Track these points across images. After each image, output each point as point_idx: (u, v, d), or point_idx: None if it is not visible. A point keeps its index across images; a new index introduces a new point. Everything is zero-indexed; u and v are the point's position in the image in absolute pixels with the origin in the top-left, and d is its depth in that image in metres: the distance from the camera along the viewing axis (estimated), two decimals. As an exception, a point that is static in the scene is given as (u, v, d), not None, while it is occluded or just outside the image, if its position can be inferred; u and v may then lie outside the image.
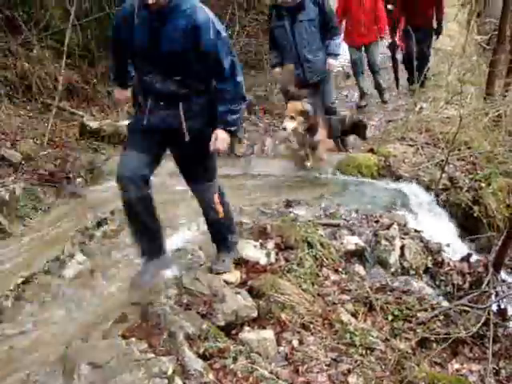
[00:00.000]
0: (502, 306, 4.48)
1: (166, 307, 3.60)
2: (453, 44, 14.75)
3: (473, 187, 6.27)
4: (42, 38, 9.11)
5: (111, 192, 6.09)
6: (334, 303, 4.08)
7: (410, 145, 7.09)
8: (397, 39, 9.73)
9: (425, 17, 9.43)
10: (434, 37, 9.83)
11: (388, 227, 5.06)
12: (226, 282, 3.93)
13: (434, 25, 9.75)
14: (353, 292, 4.26)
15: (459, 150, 6.80)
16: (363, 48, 9.22)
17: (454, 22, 18.48)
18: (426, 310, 4.19)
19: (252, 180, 6.47)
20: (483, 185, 6.28)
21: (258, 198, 5.62)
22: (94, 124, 8.04)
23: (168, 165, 6.77)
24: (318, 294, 4.12)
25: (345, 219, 5.24)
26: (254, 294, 3.87)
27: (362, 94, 9.54)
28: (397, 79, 10.32)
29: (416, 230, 5.30)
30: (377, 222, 5.23)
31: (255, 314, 3.70)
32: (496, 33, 9.77)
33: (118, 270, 4.47)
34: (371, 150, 6.95)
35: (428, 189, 6.25)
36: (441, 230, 5.70)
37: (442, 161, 6.43)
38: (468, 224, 6.04)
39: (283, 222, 4.90)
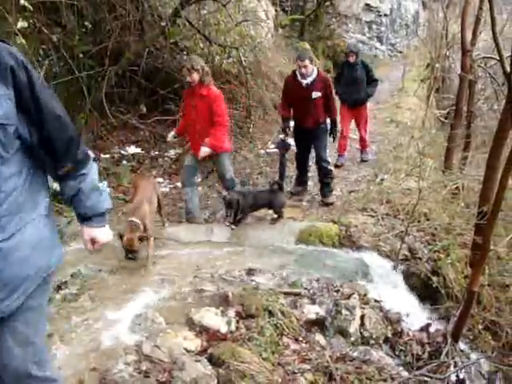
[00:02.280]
0: (461, 377, 4.53)
1: (125, 374, 3.57)
2: (413, 117, 15.28)
3: (432, 258, 6.38)
4: (10, 98, 9.12)
5: (72, 255, 6.07)
6: (294, 372, 4.06)
7: (371, 215, 7.21)
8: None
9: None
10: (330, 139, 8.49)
11: (348, 297, 5.09)
12: (186, 350, 3.91)
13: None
14: (313, 361, 4.26)
15: (419, 221, 6.95)
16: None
17: (413, 97, 19.15)
18: (385, 380, 4.19)
19: (215, 247, 6.47)
20: (442, 256, 6.38)
21: (220, 266, 5.62)
22: (56, 186, 8.00)
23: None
24: (279, 363, 4.11)
25: (306, 288, 5.26)
26: (214, 362, 3.84)
27: None
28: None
29: (376, 300, 5.34)
30: (337, 291, 5.27)
31: (215, 383, 3.67)
32: (453, 108, 10.12)
33: (77, 335, 4.38)
34: (332, 220, 7.05)
35: (388, 259, 6.33)
36: (400, 299, 5.74)
37: (402, 232, 6.54)
38: (427, 294, 6.09)
39: (245, 290, 4.91)
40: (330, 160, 8.30)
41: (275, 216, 7.36)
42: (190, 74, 6.98)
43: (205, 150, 7.10)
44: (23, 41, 8.03)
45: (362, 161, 10.70)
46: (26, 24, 8.17)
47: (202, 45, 12.57)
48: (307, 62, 7.77)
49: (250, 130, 12.43)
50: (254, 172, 10.27)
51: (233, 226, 7.15)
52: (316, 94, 7.87)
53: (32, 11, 8.46)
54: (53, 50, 10.26)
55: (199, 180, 8.68)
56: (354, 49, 10.47)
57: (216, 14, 12.62)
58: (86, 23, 10.48)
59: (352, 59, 10.04)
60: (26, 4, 8.04)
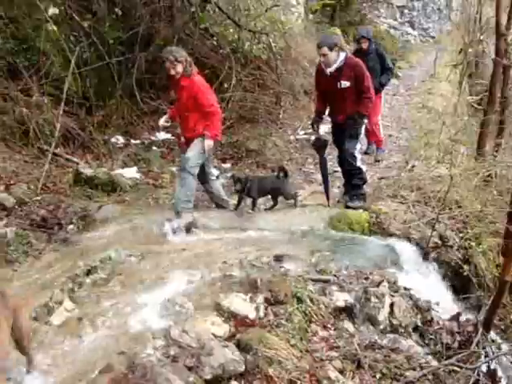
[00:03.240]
0: (492, 367, 4.47)
1: (153, 358, 3.58)
2: (445, 104, 15.08)
3: (463, 246, 6.30)
4: (41, 84, 9.25)
5: (102, 240, 6.13)
6: (322, 359, 4.04)
7: (402, 202, 7.14)
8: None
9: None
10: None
11: (378, 284, 5.05)
12: (214, 335, 3.91)
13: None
14: (341, 349, 4.23)
15: (450, 208, 6.85)
16: None
17: (446, 82, 18.90)
18: (414, 369, 4.15)
19: (243, 233, 6.48)
20: (473, 244, 6.31)
21: (249, 252, 5.61)
22: (88, 171, 8.12)
23: (165, 215, 6.90)
24: (306, 350, 4.09)
25: (335, 275, 5.22)
26: (242, 347, 3.83)
27: None
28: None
29: (406, 288, 5.28)
30: (367, 278, 5.22)
31: (242, 369, 3.66)
32: (487, 94, 9.91)
33: (106, 319, 4.42)
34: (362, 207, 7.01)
35: (418, 246, 6.27)
36: (430, 288, 5.68)
37: (433, 219, 6.46)
38: (458, 283, 6.04)
39: (273, 276, 4.90)
40: (358, 155, 7.38)
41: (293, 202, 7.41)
42: (174, 66, 6.82)
43: (209, 144, 6.89)
44: (54, 28, 8.09)
45: (376, 161, 9.97)
46: (57, 11, 8.23)
47: (231, 30, 12.55)
48: (325, 49, 6.99)
49: (280, 116, 12.39)
50: (284, 158, 10.25)
51: (250, 211, 7.20)
52: (344, 84, 7.07)
53: (63, -2, 8.52)
54: (84, 37, 10.33)
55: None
56: (367, 34, 9.70)
57: (246, 0, 12.58)
58: (117, 10, 10.56)
59: (365, 46, 9.47)
60: (59, -9, 8.10)
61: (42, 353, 4.06)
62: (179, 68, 6.81)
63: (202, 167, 7.24)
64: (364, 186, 7.44)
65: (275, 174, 7.68)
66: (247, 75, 12.42)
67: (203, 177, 7.37)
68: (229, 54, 11.81)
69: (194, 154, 6.97)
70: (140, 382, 3.37)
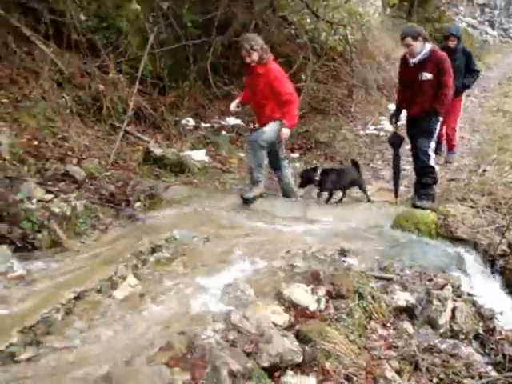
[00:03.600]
0: (554, 384, 4.33)
1: (212, 341, 3.60)
2: (522, 107, 14.64)
3: (532, 256, 6.12)
4: (118, 62, 9.42)
5: (168, 220, 6.21)
6: (380, 358, 4.00)
7: (471, 206, 6.97)
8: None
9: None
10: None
11: (441, 287, 4.96)
12: (274, 324, 3.92)
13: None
14: (399, 349, 4.18)
15: (521, 216, 6.67)
16: None
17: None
18: (473, 378, 4.06)
19: (309, 224, 6.46)
20: (543, 254, 6.12)
21: (313, 243, 5.58)
22: (158, 151, 8.23)
23: (231, 200, 6.95)
24: (365, 347, 4.06)
25: (398, 274, 5.15)
26: (301, 338, 3.83)
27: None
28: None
29: (469, 294, 5.17)
30: (430, 280, 5.13)
31: (300, 359, 3.65)
32: None
33: (168, 298, 4.49)
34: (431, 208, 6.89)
35: (485, 253, 6.12)
36: (495, 296, 5.55)
37: (503, 226, 6.31)
38: (524, 293, 5.88)
39: (336, 270, 4.87)
40: (431, 154, 7.20)
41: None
42: (250, 54, 6.83)
43: (286, 132, 6.95)
44: (138, 7, 8.22)
45: (446, 162, 9.71)
46: (142, -10, 8.35)
47: (308, 20, 12.49)
48: (409, 39, 6.85)
49: (351, 109, 12.29)
50: (353, 152, 10.17)
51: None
52: (425, 76, 6.93)
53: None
54: (162, 18, 10.46)
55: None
56: (456, 32, 9.33)
57: (326, -10, 12.49)
58: (198, -8, 10.60)
59: (453, 44, 9.08)
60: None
61: (104, 325, 4.16)
62: (255, 56, 6.82)
63: (276, 154, 7.37)
64: (434, 187, 7.28)
65: (351, 165, 7.69)
66: (321, 66, 12.40)
67: (276, 163, 7.50)
68: (305, 44, 11.75)
69: (270, 130, 7.04)
70: (198, 363, 3.40)
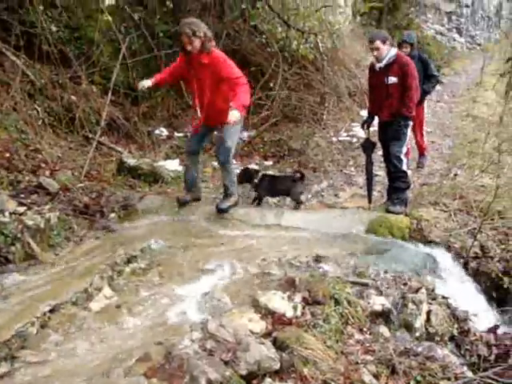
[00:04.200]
0: (529, 382, 4.39)
1: (190, 350, 3.60)
2: (490, 113, 14.87)
3: (504, 258, 6.19)
4: (90, 73, 9.39)
5: (143, 230, 6.20)
6: (357, 363, 4.03)
7: (443, 210, 7.06)
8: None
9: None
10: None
11: (416, 291, 5.01)
12: (251, 332, 3.93)
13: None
14: (376, 353, 4.21)
15: (492, 219, 6.77)
16: None
17: (492, 91, 18.66)
18: (449, 379, 4.10)
19: (283, 232, 6.48)
20: (515, 256, 6.21)
21: (288, 251, 5.61)
22: (131, 161, 8.21)
23: (205, 209, 6.96)
24: (342, 352, 4.08)
25: (373, 279, 5.19)
26: (278, 345, 3.84)
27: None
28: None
29: (443, 297, 5.23)
30: (405, 284, 5.18)
31: (277, 367, 3.66)
32: (535, 104, 9.74)
33: (144, 308, 4.49)
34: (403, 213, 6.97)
35: (458, 256, 6.20)
36: (469, 298, 5.62)
37: (475, 229, 6.40)
38: (497, 295, 5.95)
39: (312, 276, 4.89)
40: (404, 159, 7.23)
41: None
42: (191, 41, 6.16)
43: (235, 115, 6.00)
44: (109, 18, 8.21)
45: (418, 167, 9.67)
46: (113, 1, 8.36)
47: (280, 29, 12.57)
48: (378, 43, 6.91)
49: (324, 116, 12.37)
50: (326, 159, 10.23)
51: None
52: (391, 80, 6.99)
53: (117, -11, 8.65)
54: (134, 28, 10.46)
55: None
56: (408, 39, 9.12)
57: None
58: (168, 3, 10.65)
59: (406, 51, 8.74)
60: (115, -18, 8.22)
61: (80, 337, 4.14)
62: (197, 43, 6.18)
63: (201, 139, 7.08)
64: (407, 191, 7.36)
65: (290, 174, 7.82)
66: (293, 74, 12.47)
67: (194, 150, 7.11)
68: (276, 53, 11.82)
69: (233, 141, 6.65)
70: (176, 373, 3.40)
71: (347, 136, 11.82)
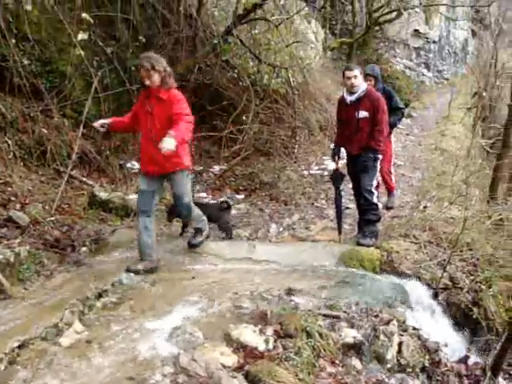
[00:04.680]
0: (498, 413, 4.44)
1: (161, 385, 3.59)
2: (458, 146, 15.17)
3: (473, 288, 6.26)
4: (62, 106, 9.39)
5: (115, 264, 6.17)
6: (330, 396, 4.04)
7: (413, 242, 7.14)
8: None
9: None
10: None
11: (387, 322, 5.03)
12: (223, 366, 3.92)
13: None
14: (349, 386, 4.23)
15: (461, 250, 6.86)
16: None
17: (459, 125, 19.03)
18: (421, 411, 4.14)
19: (255, 265, 6.49)
20: (483, 287, 6.27)
21: (260, 284, 5.62)
22: (103, 195, 8.20)
23: (177, 243, 6.95)
24: (314, 385, 4.09)
25: (345, 311, 5.21)
26: (251, 379, 3.82)
27: None
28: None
29: (414, 328, 5.26)
30: (376, 316, 5.20)
31: (249, 401, 3.67)
32: (500, 138, 9.93)
33: (115, 343, 4.43)
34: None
35: (428, 287, 6.25)
36: (439, 329, 5.66)
37: (444, 260, 6.48)
38: (467, 325, 6.00)
39: (283, 309, 4.90)
40: (374, 192, 7.28)
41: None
42: (150, 75, 5.81)
43: (170, 142, 5.42)
44: (82, 52, 8.24)
45: (387, 208, 9.38)
46: (86, 36, 8.39)
47: (251, 63, 12.71)
48: (356, 71, 7.05)
49: (295, 150, 12.49)
50: (297, 192, 10.30)
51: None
52: (362, 114, 7.08)
53: (89, 24, 8.68)
54: (106, 62, 10.50)
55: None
56: (372, 72, 8.96)
57: (267, 34, 12.76)
58: (140, 37, 10.71)
59: (370, 84, 8.40)
60: (88, 17, 8.24)
61: (50, 373, 4.08)
62: (156, 77, 5.83)
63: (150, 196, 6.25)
64: (378, 224, 7.43)
65: (218, 203, 7.93)
66: (264, 108, 12.60)
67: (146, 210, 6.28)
68: (248, 87, 11.95)
69: (188, 194, 6.32)
70: (148, 408, 3.38)
71: (318, 169, 11.94)
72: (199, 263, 6.45)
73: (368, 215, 7.33)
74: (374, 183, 7.33)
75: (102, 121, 6.35)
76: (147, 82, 5.88)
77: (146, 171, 6.26)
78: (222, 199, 8.24)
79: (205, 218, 6.89)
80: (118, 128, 6.67)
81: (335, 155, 7.71)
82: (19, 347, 4.37)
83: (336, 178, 7.71)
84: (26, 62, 9.04)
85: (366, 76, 8.78)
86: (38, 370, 4.12)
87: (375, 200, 7.33)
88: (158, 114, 5.96)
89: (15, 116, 8.75)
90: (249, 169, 11.15)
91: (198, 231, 6.88)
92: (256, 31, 12.72)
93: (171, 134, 5.48)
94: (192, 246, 6.83)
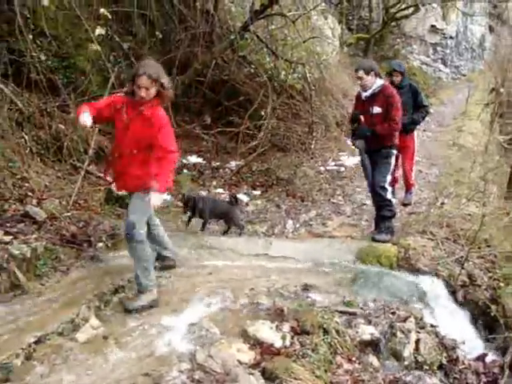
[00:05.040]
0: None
1: (178, 381, 3.59)
2: (475, 142, 15.03)
3: (491, 286, 6.21)
4: (79, 101, 9.39)
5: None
6: (346, 393, 4.02)
7: (431, 239, 7.08)
8: None
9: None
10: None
11: (404, 320, 5.01)
12: (240, 362, 3.91)
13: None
14: (366, 383, 4.20)
15: (479, 247, 6.80)
16: None
17: (477, 121, 18.86)
18: (438, 408, 4.11)
19: (272, 261, 6.48)
20: (502, 284, 6.22)
21: (277, 280, 5.60)
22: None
23: (193, 239, 6.94)
24: (331, 382, 4.06)
25: (361, 308, 5.19)
26: (267, 376, 3.82)
27: None
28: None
29: (432, 325, 5.24)
30: (393, 313, 5.17)
31: (266, 397, 3.65)
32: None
33: (132, 339, 4.45)
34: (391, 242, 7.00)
35: (446, 284, 6.21)
36: (456, 326, 5.61)
37: (462, 257, 6.43)
38: (485, 322, 5.95)
39: (300, 306, 4.88)
40: (388, 188, 7.25)
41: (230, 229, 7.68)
42: (149, 87, 4.96)
43: (157, 198, 4.96)
44: (99, 47, 8.24)
45: (404, 204, 9.24)
46: (103, 31, 8.38)
47: (268, 59, 12.68)
48: (361, 72, 7.04)
49: (312, 146, 12.45)
50: (314, 188, 10.26)
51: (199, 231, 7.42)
52: (376, 110, 7.09)
53: (107, 19, 8.68)
54: (122, 58, 10.51)
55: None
56: (399, 68, 8.98)
57: (284, 30, 12.70)
58: (157, 33, 10.70)
59: (397, 79, 8.72)
60: (105, 12, 8.24)
61: (66, 368, 4.10)
62: (153, 91, 5.00)
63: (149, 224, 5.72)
64: (393, 220, 7.38)
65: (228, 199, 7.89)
66: (281, 104, 12.56)
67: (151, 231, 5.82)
68: (265, 82, 11.90)
69: (139, 216, 5.28)
70: (164, 405, 3.38)
71: (335, 165, 11.88)
72: (216, 259, 6.43)
73: (383, 211, 7.30)
74: (388, 179, 7.28)
75: (84, 116, 5.00)
76: (142, 94, 4.96)
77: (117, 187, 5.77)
78: (229, 194, 8.19)
79: (149, 269, 5.36)
80: (101, 120, 5.46)
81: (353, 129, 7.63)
82: (36, 343, 4.40)
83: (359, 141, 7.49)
84: (43, 57, 9.06)
85: (393, 72, 8.90)
86: (54, 365, 4.15)
87: (389, 196, 7.30)
88: (135, 130, 5.11)
89: (32, 111, 8.77)
90: (265, 164, 11.12)
91: (140, 292, 5.27)
92: (273, 27, 12.67)
93: (155, 187, 4.86)
94: (127, 311, 5.13)
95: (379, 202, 7.32)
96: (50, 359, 4.21)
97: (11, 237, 6.00)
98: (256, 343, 4.24)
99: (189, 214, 7.49)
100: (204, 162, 10.84)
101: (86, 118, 4.97)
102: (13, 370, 4.02)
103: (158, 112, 5.08)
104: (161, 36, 10.74)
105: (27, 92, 8.92)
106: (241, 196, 8.05)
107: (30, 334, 4.52)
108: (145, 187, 5.08)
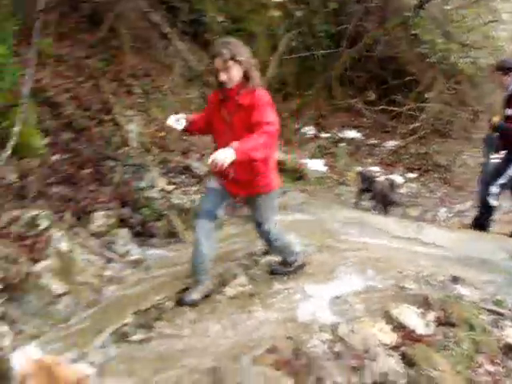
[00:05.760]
0: None
1: (318, 350, 3.64)
2: None
3: None
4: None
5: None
6: (486, 395, 3.90)
7: None
8: None
9: None
10: None
11: (558, 330, 4.75)
12: (381, 342, 3.90)
13: None
14: (508, 389, 4.05)
15: None
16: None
17: None
18: None
19: (422, 247, 6.35)
20: None
21: (425, 267, 5.49)
22: (278, 155, 8.34)
23: (345, 212, 6.94)
24: (471, 381, 3.95)
25: (510, 310, 4.98)
26: (406, 361, 3.78)
27: None
28: None
29: None
30: (545, 320, 4.93)
31: (403, 382, 3.61)
32: None
33: (277, 301, 4.57)
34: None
35: None
36: None
37: None
38: None
39: (448, 296, 4.76)
40: (492, 191, 7.12)
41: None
42: (227, 68, 4.19)
43: (225, 154, 3.80)
44: (277, 13, 8.38)
45: None
46: (280, -2, 8.52)
47: (440, 40, 12.26)
48: (499, 72, 6.82)
49: (475, 135, 11.99)
50: (473, 179, 9.88)
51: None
52: (508, 112, 6.85)
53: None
54: (294, 26, 10.60)
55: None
56: None
57: (461, 11, 12.20)
58: (330, 4, 10.66)
59: None
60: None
61: (213, 319, 4.30)
62: (235, 72, 4.23)
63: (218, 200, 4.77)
64: None
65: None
66: (449, 88, 12.14)
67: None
68: (434, 64, 11.55)
69: (271, 219, 4.88)
70: (303, 371, 3.45)
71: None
72: (367, 236, 6.40)
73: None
74: (499, 181, 7.13)
75: (178, 116, 4.72)
76: (223, 77, 4.22)
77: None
78: (387, 176, 8.08)
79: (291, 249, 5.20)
80: (195, 130, 4.89)
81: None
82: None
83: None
84: (220, 19, 9.33)
85: None
86: (202, 313, 4.39)
87: (491, 202, 7.11)
88: (239, 124, 4.35)
89: (202, 69, 9.09)
90: (424, 148, 10.86)
91: (284, 263, 5.22)
92: (449, 7, 12.19)
93: (233, 146, 3.88)
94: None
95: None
96: (199, 307, 4.46)
97: (173, 186, 6.32)
98: (399, 326, 4.18)
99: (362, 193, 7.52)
100: (362, 137, 10.76)
101: (174, 121, 4.67)
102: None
103: (256, 95, 4.26)
104: (335, 6, 10.69)
105: (201, 51, 9.26)
106: (396, 177, 7.87)
107: (182, 281, 4.79)
108: (260, 183, 4.60)
